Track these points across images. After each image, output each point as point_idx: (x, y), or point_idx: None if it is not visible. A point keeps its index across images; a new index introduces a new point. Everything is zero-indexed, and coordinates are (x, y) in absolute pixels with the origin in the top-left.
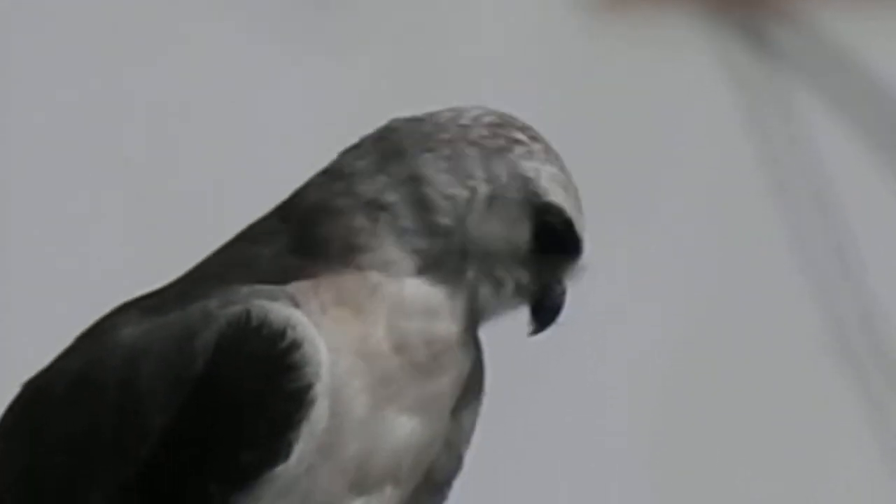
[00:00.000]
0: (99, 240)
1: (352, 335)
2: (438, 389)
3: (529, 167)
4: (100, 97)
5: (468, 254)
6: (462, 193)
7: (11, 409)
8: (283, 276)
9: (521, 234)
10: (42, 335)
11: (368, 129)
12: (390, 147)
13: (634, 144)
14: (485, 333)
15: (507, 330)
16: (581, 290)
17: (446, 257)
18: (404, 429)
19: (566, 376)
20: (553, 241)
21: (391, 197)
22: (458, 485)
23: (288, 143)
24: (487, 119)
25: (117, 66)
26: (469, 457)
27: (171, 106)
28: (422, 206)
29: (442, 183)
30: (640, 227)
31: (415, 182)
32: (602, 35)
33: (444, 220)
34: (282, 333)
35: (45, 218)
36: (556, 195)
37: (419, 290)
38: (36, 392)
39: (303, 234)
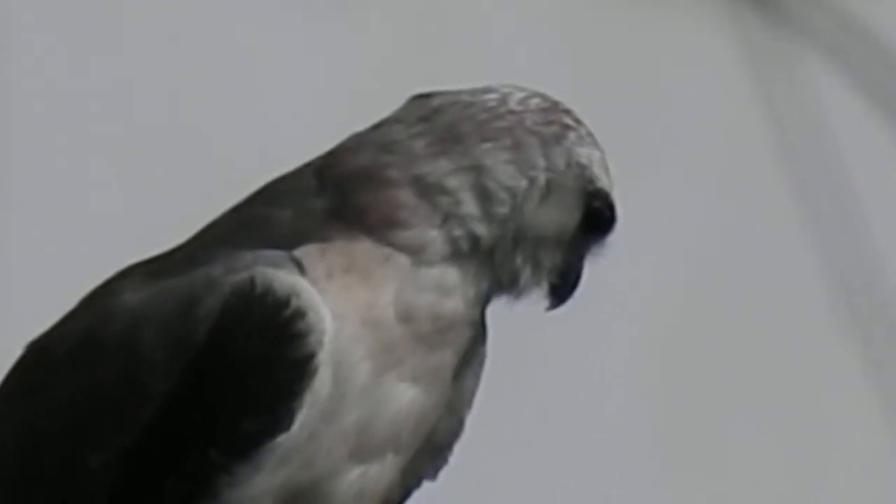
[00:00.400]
0: (111, 202)
1: (357, 302)
2: (440, 361)
3: (583, 154)
4: (112, 64)
5: (519, 240)
6: (522, 184)
7: (14, 370)
8: (298, 239)
9: (573, 219)
10: (45, 296)
11: (383, 92)
12: (446, 131)
13: (640, 106)
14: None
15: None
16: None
17: (500, 244)
18: (405, 397)
19: (567, 353)
20: (596, 224)
21: (452, 182)
22: (461, 457)
23: (304, 105)
24: (536, 103)
25: (129, 34)
26: (473, 432)
27: (187, 72)
28: (482, 194)
29: (504, 174)
30: (645, 190)
31: (476, 171)
32: (622, 14)
33: (503, 210)
34: (286, 301)
35: (49, 175)
36: (603, 181)
37: (436, 269)
38: (38, 354)
39: (342, 198)
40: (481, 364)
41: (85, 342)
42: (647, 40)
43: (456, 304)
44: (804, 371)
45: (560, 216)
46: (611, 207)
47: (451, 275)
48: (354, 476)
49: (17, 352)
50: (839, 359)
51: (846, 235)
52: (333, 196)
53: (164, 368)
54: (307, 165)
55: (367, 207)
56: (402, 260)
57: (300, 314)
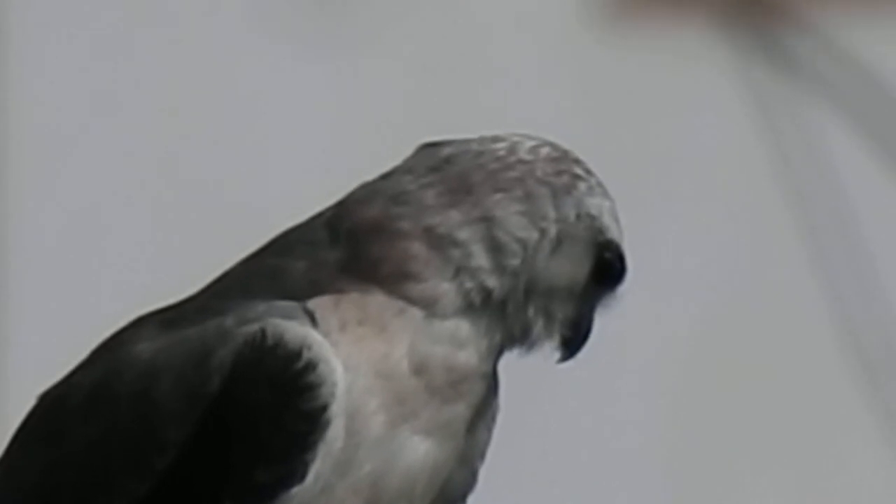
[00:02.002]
0: (114, 245)
1: (371, 354)
2: (454, 414)
3: (594, 204)
4: (115, 97)
5: (531, 292)
6: (533, 235)
7: (27, 420)
8: (310, 291)
9: (584, 270)
10: (57, 345)
11: (383, 127)
12: (457, 181)
13: (651, 150)
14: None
15: None
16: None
17: (511, 296)
18: (419, 450)
19: (577, 399)
20: (607, 275)
21: (464, 234)
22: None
23: (303, 141)
24: (546, 152)
25: (134, 65)
26: (485, 482)
27: (186, 106)
28: (493, 246)
29: (515, 225)
30: (657, 230)
31: (487, 222)
32: (618, 42)
33: (514, 262)
34: (297, 353)
35: (60, 218)
36: (614, 231)
37: (450, 321)
38: (52, 404)
39: (354, 250)
40: (494, 418)
41: (99, 392)
42: (657, 86)
43: (469, 356)
44: (813, 412)
45: (571, 267)
46: (621, 258)
47: (464, 327)
48: None
49: (29, 402)
50: (847, 397)
51: (853, 275)
52: (345, 248)
53: (179, 418)
54: (318, 216)
55: (379, 260)
56: (416, 313)
57: (311, 366)
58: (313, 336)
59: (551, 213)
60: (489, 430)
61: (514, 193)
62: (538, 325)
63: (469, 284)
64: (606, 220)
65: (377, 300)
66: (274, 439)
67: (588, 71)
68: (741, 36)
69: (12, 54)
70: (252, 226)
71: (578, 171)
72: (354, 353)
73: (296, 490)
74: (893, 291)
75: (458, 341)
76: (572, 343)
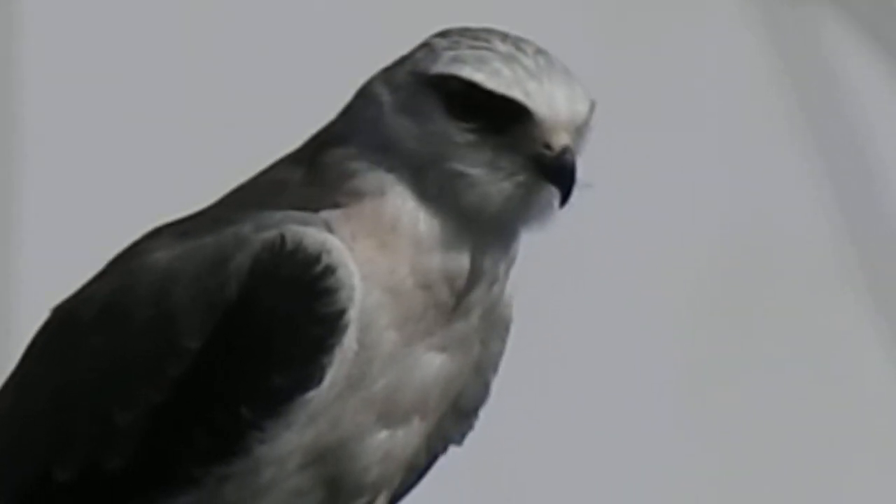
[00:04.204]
0: (140, 149)
1: (379, 268)
2: (466, 328)
3: (434, 60)
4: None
5: (406, 158)
6: (372, 106)
7: (41, 333)
8: (309, 203)
9: (435, 118)
10: (71, 259)
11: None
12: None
13: (663, 70)
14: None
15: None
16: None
17: (401, 171)
18: (432, 365)
19: (595, 310)
20: (474, 111)
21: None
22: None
23: (312, 53)
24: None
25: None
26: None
27: (200, 28)
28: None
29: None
30: (668, 152)
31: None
32: None
33: (377, 137)
34: (316, 257)
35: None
36: (456, 69)
37: (431, 225)
38: (67, 315)
39: (311, 164)
40: (507, 328)
41: (115, 301)
42: (669, 15)
43: (463, 258)
44: (818, 316)
45: (418, 116)
46: (471, 85)
47: (442, 226)
48: (381, 439)
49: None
50: (856, 317)
51: (861, 185)
52: (308, 162)
53: (195, 325)
54: (319, 133)
55: (326, 165)
56: (407, 224)
57: (331, 270)
58: (332, 241)
59: (393, 78)
60: (503, 342)
61: (380, 76)
62: (464, 186)
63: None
64: (443, 60)
65: (371, 214)
66: (291, 343)
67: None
68: None
69: None
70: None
71: (470, 39)
72: (366, 265)
73: (312, 394)
74: None
75: (446, 244)
76: (556, 183)
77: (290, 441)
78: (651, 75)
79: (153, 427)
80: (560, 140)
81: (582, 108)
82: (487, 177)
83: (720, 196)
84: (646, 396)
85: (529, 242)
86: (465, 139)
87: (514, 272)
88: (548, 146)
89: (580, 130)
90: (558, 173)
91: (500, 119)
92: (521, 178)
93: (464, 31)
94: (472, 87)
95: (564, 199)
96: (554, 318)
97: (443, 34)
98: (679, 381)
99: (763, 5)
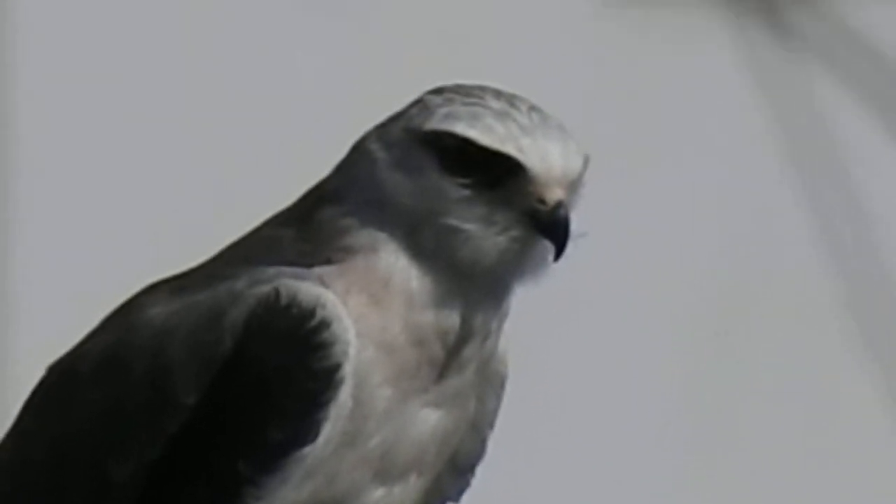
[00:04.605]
0: (132, 209)
1: (372, 325)
2: (461, 384)
3: (433, 111)
4: (140, 67)
5: (414, 214)
6: (366, 162)
7: (37, 390)
8: (303, 259)
9: (429, 174)
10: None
11: (380, 89)
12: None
13: (660, 123)
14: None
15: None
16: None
17: (394, 228)
18: (428, 422)
19: (594, 349)
20: (468, 166)
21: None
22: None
23: (310, 100)
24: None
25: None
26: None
27: (202, 70)
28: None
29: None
30: (664, 195)
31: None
32: (631, 18)
33: (371, 194)
34: (311, 311)
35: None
36: (450, 125)
37: (424, 282)
38: (63, 371)
39: (304, 220)
40: (502, 384)
41: (112, 355)
42: (665, 62)
43: (455, 314)
44: (810, 355)
45: (413, 172)
46: (467, 141)
47: (435, 283)
48: (377, 496)
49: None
50: (839, 345)
51: (849, 228)
52: (302, 217)
53: (192, 380)
54: (300, 199)
55: (320, 221)
56: (399, 281)
57: (325, 324)
58: (327, 295)
59: (387, 135)
60: (498, 398)
61: (374, 133)
62: (456, 242)
63: (372, 224)
64: (437, 117)
65: (364, 270)
66: (287, 398)
67: (597, 43)
68: (745, 8)
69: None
70: (269, 171)
71: (464, 96)
72: (359, 321)
73: (307, 450)
74: (889, 248)
75: (438, 301)
76: (550, 237)
77: (285, 497)
78: (653, 122)
79: (149, 482)
80: (554, 195)
81: (575, 164)
82: (482, 231)
83: (716, 235)
84: (643, 440)
85: (524, 293)
86: (460, 194)
87: (508, 324)
88: (542, 201)
89: (574, 185)
90: (553, 228)
91: (495, 175)
92: (515, 232)
93: (457, 88)
94: (466, 143)
95: (559, 253)
96: (550, 368)
97: (436, 91)
98: (676, 417)
99: (758, 58)
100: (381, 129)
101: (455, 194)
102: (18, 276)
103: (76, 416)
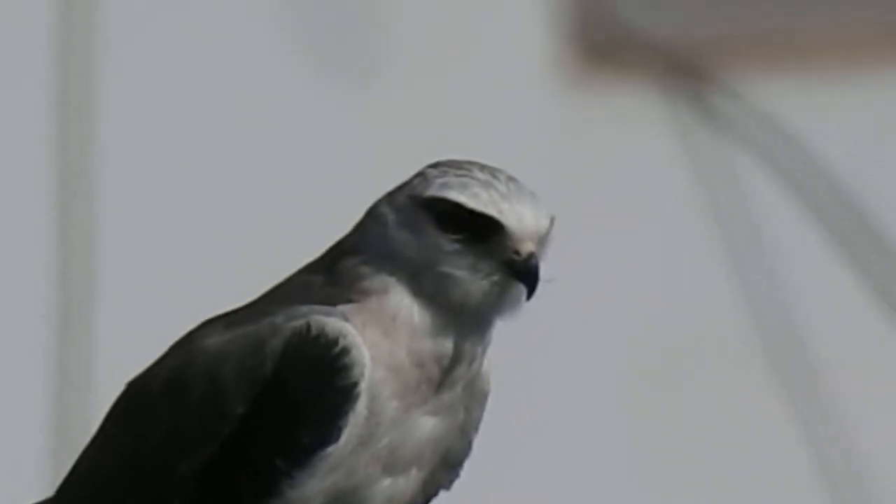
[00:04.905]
0: (178, 265)
1: (383, 351)
2: (452, 397)
3: (432, 182)
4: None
5: (416, 264)
6: (378, 223)
7: (118, 402)
8: (329, 299)
9: (428, 232)
10: (141, 342)
11: (384, 159)
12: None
13: (607, 193)
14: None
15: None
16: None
17: (401, 275)
18: (426, 427)
19: (563, 374)
20: (459, 226)
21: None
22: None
23: (323, 165)
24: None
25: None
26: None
27: (212, 132)
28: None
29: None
30: (610, 263)
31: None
32: (574, 97)
33: (382, 248)
34: (335, 341)
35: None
36: (445, 193)
37: (424, 317)
38: (138, 389)
39: (330, 269)
40: (485, 397)
41: (177, 376)
42: (606, 139)
43: (449, 343)
44: (732, 397)
45: (413, 231)
46: (457, 206)
47: (433, 318)
48: (386, 485)
49: (118, 389)
50: (755, 386)
51: (771, 298)
52: (328, 268)
53: (240, 395)
54: (329, 249)
55: (341, 271)
56: (405, 317)
57: (346, 351)
58: (348, 328)
59: (395, 201)
60: (482, 408)
61: (387, 199)
62: (450, 288)
63: (384, 271)
64: (435, 186)
65: (377, 309)
66: (315, 409)
67: (549, 122)
68: (676, 95)
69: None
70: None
71: (456, 169)
72: (372, 349)
73: (331, 450)
74: (802, 310)
75: (436, 331)
76: (523, 282)
77: (313, 487)
78: (602, 193)
79: (207, 475)
80: (527, 248)
81: (544, 222)
82: (470, 277)
83: (655, 294)
84: (594, 451)
85: (501, 329)
86: (453, 248)
87: (489, 352)
88: (517, 253)
89: (543, 240)
90: (526, 274)
91: (480, 232)
92: (496, 278)
93: (450, 163)
94: (457, 207)
95: (530, 294)
96: (522, 389)
97: (434, 165)
98: (623, 437)
99: (689, 141)
100: (390, 195)
101: (449, 248)
102: (102, 309)
103: (149, 423)
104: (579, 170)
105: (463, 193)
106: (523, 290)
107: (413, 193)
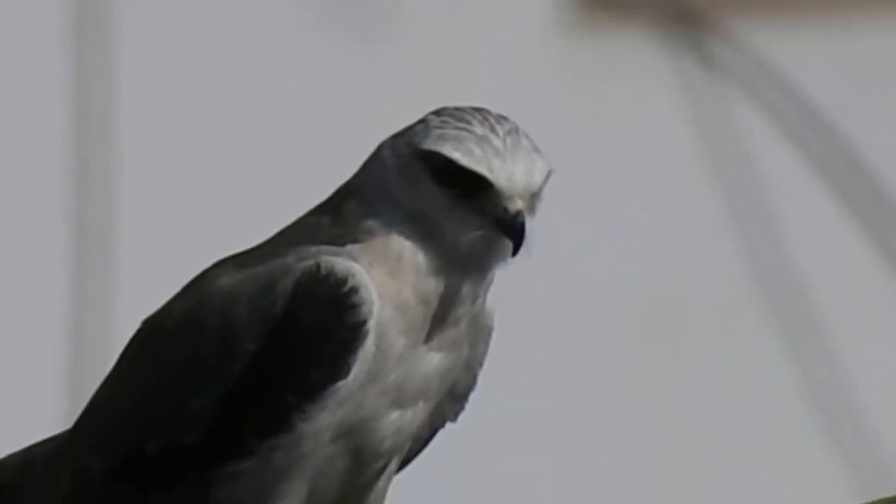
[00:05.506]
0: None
1: (389, 290)
2: (456, 334)
3: (433, 132)
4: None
5: (403, 209)
6: (380, 166)
7: (134, 339)
8: (337, 240)
9: (424, 183)
10: (158, 282)
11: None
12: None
13: (603, 140)
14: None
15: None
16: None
17: (401, 217)
18: (432, 362)
19: (558, 324)
20: (452, 180)
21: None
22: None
23: (340, 126)
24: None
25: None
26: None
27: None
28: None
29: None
30: (611, 214)
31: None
32: (574, 48)
33: (383, 192)
34: (344, 280)
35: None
36: (440, 147)
37: (425, 257)
38: (153, 327)
39: (336, 210)
40: (489, 334)
41: (191, 315)
42: (608, 90)
43: (450, 281)
44: (728, 342)
45: (412, 183)
46: (450, 162)
47: (434, 258)
48: (393, 418)
49: (134, 326)
50: (756, 332)
51: (765, 237)
52: (333, 208)
53: (252, 334)
54: (343, 186)
55: (346, 211)
56: (409, 257)
57: (355, 290)
58: (356, 267)
59: (387, 153)
60: (486, 344)
61: (389, 142)
62: (442, 235)
63: (382, 214)
64: (432, 138)
65: (382, 248)
66: (326, 346)
67: (552, 71)
68: (677, 42)
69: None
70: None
71: (457, 120)
72: (379, 287)
73: (340, 384)
74: (798, 254)
75: (438, 272)
76: (509, 237)
77: (324, 420)
78: (603, 144)
79: (220, 411)
80: (515, 205)
81: (537, 179)
82: (459, 229)
83: (655, 241)
84: (592, 394)
85: (505, 271)
86: (445, 200)
87: (495, 293)
88: (506, 210)
89: (535, 196)
90: (512, 230)
91: (471, 187)
92: (484, 232)
93: (453, 112)
94: (450, 163)
95: (516, 249)
96: (525, 331)
97: (437, 112)
98: (619, 385)
99: (687, 86)
100: (394, 139)
101: (441, 199)
102: (121, 247)
103: (163, 361)
104: (581, 116)
105: (457, 149)
106: (509, 244)
107: (412, 142)
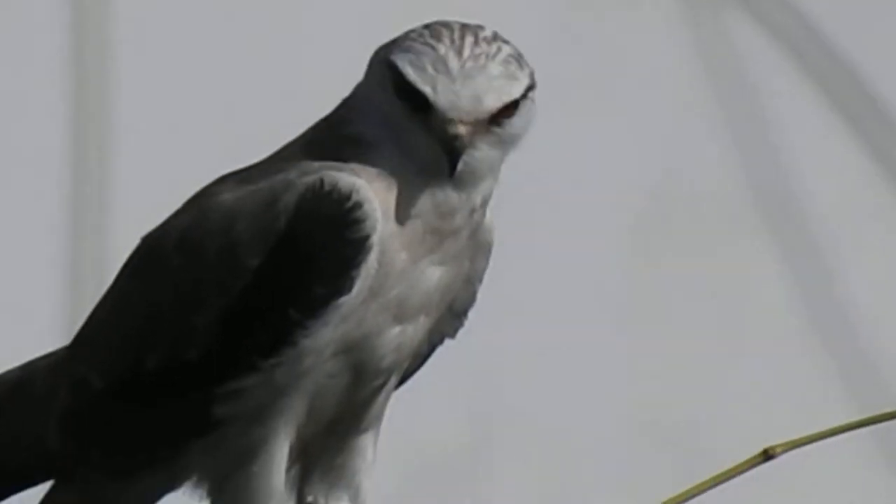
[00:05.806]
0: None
1: (389, 205)
2: (456, 248)
3: (403, 48)
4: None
5: (380, 117)
6: (367, 76)
7: (133, 256)
8: (338, 155)
9: (389, 93)
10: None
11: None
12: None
13: (606, 60)
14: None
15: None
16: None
17: (381, 127)
18: (433, 277)
19: (560, 236)
20: (408, 94)
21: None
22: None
23: (337, 41)
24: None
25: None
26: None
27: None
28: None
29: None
30: (607, 130)
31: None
32: None
33: (367, 103)
34: (348, 195)
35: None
36: (398, 59)
37: (415, 170)
38: (153, 242)
39: (335, 125)
40: (489, 249)
41: (192, 231)
42: (615, 20)
43: (442, 195)
44: (723, 249)
45: (381, 91)
46: (402, 75)
47: (421, 172)
48: (394, 334)
49: (133, 242)
50: (755, 249)
51: (764, 152)
52: (328, 128)
53: (254, 249)
54: (331, 113)
55: (339, 134)
56: (401, 171)
57: (359, 205)
58: (360, 182)
59: (380, 55)
60: (486, 260)
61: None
62: (405, 146)
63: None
64: (399, 50)
65: (374, 160)
66: (328, 262)
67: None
68: None
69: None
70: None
71: (430, 36)
72: (381, 203)
73: (343, 300)
74: (801, 176)
75: (427, 184)
76: (447, 159)
77: (326, 336)
78: (597, 63)
79: (222, 327)
80: (454, 130)
81: (488, 105)
82: (415, 142)
83: (654, 151)
84: (591, 313)
85: (505, 185)
86: (405, 113)
87: (496, 212)
88: (444, 131)
89: (482, 121)
90: (448, 153)
91: (420, 104)
92: (431, 149)
93: (435, 26)
94: (402, 77)
95: (451, 173)
96: (526, 246)
97: (425, 26)
98: (618, 303)
99: (686, 6)
100: (383, 48)
101: (402, 112)
102: (118, 162)
103: (164, 278)
104: (580, 34)
105: (412, 64)
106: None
107: (387, 50)
